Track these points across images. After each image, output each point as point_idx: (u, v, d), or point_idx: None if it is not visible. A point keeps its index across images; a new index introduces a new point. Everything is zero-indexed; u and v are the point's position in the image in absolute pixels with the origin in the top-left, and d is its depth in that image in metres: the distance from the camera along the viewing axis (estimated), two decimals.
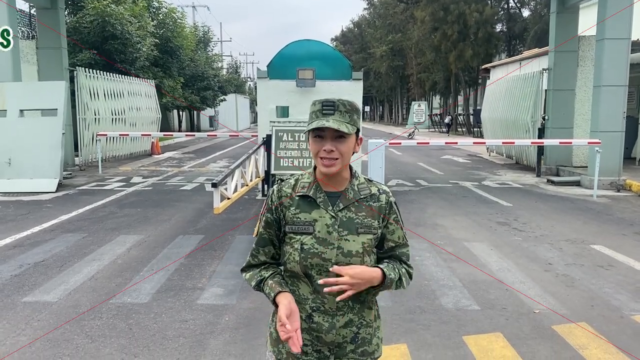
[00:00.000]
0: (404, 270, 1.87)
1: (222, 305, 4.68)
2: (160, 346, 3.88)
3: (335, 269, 1.72)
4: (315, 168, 1.85)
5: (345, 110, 1.75)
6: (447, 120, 39.53)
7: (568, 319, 4.38)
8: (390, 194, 1.89)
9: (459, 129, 37.04)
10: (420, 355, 3.73)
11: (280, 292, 1.78)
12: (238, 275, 5.48)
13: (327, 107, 1.75)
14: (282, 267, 1.89)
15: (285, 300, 1.73)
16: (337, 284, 1.70)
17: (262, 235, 1.90)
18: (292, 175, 1.91)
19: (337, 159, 1.74)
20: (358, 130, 1.80)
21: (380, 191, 1.87)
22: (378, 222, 1.83)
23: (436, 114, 45.12)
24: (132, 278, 5.42)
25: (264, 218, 1.90)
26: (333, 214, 1.78)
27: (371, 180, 1.90)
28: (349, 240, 1.77)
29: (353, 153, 1.82)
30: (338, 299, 1.71)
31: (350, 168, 1.86)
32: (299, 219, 1.80)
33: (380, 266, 1.80)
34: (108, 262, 5.96)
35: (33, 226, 7.74)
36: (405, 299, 4.80)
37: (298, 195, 1.82)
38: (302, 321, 1.79)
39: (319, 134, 1.75)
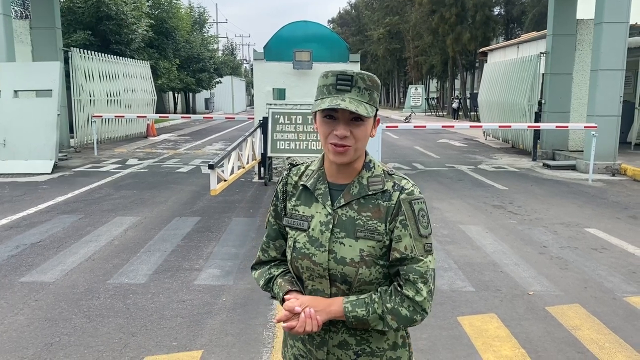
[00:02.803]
0: (391, 305, 1.43)
1: (219, 286, 4.71)
2: (158, 326, 3.91)
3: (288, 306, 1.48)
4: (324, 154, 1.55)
5: (365, 86, 1.42)
6: (454, 105, 35.40)
7: (561, 300, 4.44)
8: (408, 191, 1.47)
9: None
10: (416, 335, 3.77)
11: (290, 290, 1.52)
12: (235, 257, 5.51)
13: (343, 81, 1.41)
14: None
15: (300, 297, 1.50)
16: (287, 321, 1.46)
17: (272, 226, 1.63)
18: (303, 162, 1.67)
19: (350, 145, 1.42)
20: (377, 110, 1.48)
21: (396, 187, 1.48)
22: (385, 226, 1.46)
23: (433, 98, 44.91)
24: (129, 259, 5.43)
25: (272, 208, 1.63)
26: (330, 211, 1.48)
27: (392, 174, 1.51)
28: (344, 245, 1.45)
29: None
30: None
31: (366, 155, 1.52)
32: (297, 212, 1.54)
33: (345, 299, 1.45)
34: (105, 243, 5.97)
35: (29, 207, 7.73)
36: None
37: (302, 185, 1.56)
38: None
39: (330, 114, 1.43)
